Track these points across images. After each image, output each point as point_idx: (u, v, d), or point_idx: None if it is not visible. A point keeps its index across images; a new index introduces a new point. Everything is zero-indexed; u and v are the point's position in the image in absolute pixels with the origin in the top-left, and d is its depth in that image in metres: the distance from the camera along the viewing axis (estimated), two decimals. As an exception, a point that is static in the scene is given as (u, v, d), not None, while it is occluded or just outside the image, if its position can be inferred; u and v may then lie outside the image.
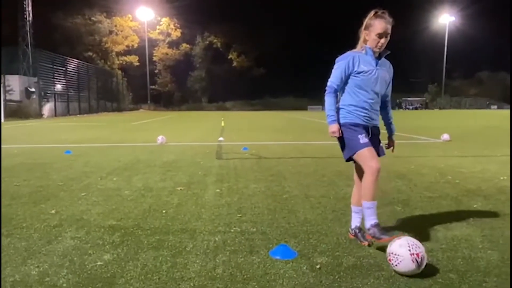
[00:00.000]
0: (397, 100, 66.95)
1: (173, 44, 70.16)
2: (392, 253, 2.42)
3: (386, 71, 2.95)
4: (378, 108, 3.00)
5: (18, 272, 2.46)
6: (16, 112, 28.92)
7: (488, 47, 71.19)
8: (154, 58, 68.71)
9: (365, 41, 2.87)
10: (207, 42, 72.38)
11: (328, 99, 2.90)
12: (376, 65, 2.88)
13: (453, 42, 69.56)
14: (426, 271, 2.44)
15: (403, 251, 2.37)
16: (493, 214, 3.70)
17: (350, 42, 3.16)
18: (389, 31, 2.80)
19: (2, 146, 9.60)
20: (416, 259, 2.34)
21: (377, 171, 2.72)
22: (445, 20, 69.26)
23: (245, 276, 2.41)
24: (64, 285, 2.30)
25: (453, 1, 68.64)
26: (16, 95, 31.12)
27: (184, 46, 70.49)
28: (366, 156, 2.77)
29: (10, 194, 4.53)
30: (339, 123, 2.89)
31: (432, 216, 3.63)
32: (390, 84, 3.06)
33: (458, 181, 5.23)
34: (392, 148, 3.18)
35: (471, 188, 4.81)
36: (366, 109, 2.88)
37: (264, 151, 8.51)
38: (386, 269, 2.49)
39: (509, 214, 3.67)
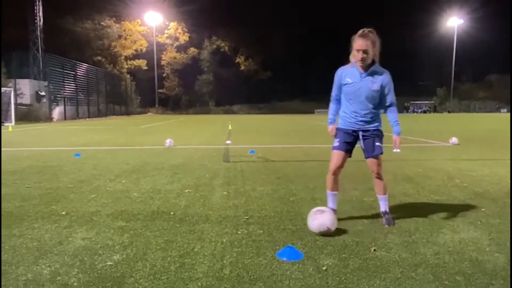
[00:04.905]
0: (405, 104, 66.43)
1: (181, 48, 70.62)
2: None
3: (372, 81, 3.32)
4: (371, 116, 3.42)
5: (31, 271, 2.52)
6: (27, 115, 29.39)
7: (497, 50, 70.55)
8: (162, 62, 69.18)
9: (352, 55, 3.34)
10: (215, 46, 72.73)
11: (330, 105, 3.65)
12: (362, 76, 3.33)
13: (462, 45, 69.09)
14: (433, 273, 2.46)
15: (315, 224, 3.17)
16: (501, 217, 3.68)
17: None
18: (367, 47, 3.21)
19: (12, 149, 9.76)
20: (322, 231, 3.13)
21: (330, 172, 3.59)
22: (454, 23, 68.84)
23: (252, 277, 2.44)
24: (75, 284, 2.35)
25: (461, 4, 68.29)
26: (26, 99, 31.63)
27: (192, 50, 70.91)
28: (332, 156, 3.59)
29: (21, 195, 4.62)
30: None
31: (439, 219, 3.62)
32: (389, 91, 3.39)
33: (466, 185, 5.21)
34: (395, 145, 3.49)
35: (479, 191, 4.79)
36: (353, 117, 3.44)
37: (271, 154, 8.54)
38: (392, 271, 2.51)
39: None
